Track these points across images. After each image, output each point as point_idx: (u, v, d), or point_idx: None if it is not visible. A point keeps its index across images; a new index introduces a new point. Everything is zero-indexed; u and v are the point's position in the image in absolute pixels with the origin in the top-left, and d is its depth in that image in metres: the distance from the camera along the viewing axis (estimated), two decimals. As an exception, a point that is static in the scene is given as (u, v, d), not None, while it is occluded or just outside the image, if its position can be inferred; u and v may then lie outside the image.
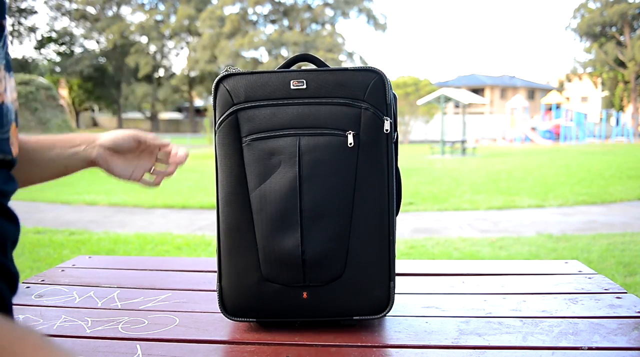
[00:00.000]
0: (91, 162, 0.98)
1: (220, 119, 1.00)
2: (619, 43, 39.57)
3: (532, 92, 47.46)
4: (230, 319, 1.05)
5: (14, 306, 0.66)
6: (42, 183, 0.96)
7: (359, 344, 0.96)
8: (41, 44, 46.69)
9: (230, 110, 0.99)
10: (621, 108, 40.58)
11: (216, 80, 1.01)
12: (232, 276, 1.02)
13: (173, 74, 48.36)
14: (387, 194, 1.01)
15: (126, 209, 7.32)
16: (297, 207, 0.98)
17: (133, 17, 57.00)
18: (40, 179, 0.94)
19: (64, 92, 45.66)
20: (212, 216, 6.58)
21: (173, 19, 46.24)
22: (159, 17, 47.75)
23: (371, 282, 1.02)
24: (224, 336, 1.01)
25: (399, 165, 1.06)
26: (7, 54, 0.62)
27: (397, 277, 1.05)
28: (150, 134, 1.01)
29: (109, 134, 0.99)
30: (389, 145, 1.00)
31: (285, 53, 41.02)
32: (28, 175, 0.90)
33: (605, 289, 1.23)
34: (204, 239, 5.15)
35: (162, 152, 1.07)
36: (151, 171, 1.04)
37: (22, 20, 44.41)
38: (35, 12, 47.86)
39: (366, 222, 1.00)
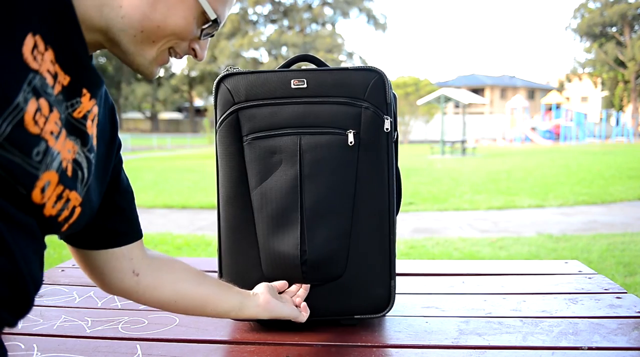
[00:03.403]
0: (260, 309, 0.95)
1: (221, 118, 1.00)
2: (619, 43, 39.54)
3: (532, 92, 47.45)
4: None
5: None
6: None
7: (359, 343, 0.96)
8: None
9: (231, 109, 0.99)
10: (621, 108, 40.54)
11: (217, 79, 1.01)
12: (233, 275, 1.02)
13: (173, 74, 48.36)
14: (388, 193, 1.01)
15: (126, 209, 7.31)
16: (297, 205, 0.98)
17: (133, 17, 56.79)
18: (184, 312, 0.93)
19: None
20: (212, 216, 6.58)
21: (173, 18, 46.14)
22: (159, 17, 47.69)
23: (372, 281, 1.02)
24: (224, 336, 1.01)
25: (398, 165, 1.06)
26: (74, 119, 0.66)
27: (397, 277, 1.05)
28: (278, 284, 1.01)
29: (261, 287, 0.97)
30: (389, 144, 1.00)
31: (286, 53, 41.01)
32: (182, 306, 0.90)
33: (605, 289, 1.23)
34: (204, 239, 5.15)
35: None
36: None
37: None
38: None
39: (367, 221, 1.00)
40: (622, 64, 39.34)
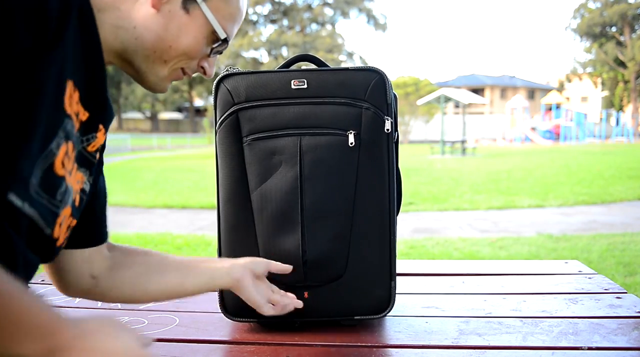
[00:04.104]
0: (233, 281, 0.90)
1: (221, 118, 1.00)
2: (619, 43, 39.53)
3: (532, 92, 47.43)
4: (230, 319, 1.05)
5: None
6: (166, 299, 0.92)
7: (359, 344, 0.96)
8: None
9: (231, 110, 0.99)
10: (621, 108, 40.51)
11: (217, 80, 1.01)
12: (233, 276, 1.02)
13: (173, 74, 48.29)
14: (388, 194, 1.01)
15: (126, 209, 7.31)
16: (297, 206, 0.98)
17: (133, 17, 56.81)
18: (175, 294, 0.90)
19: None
20: (212, 216, 6.57)
21: (173, 18, 46.11)
22: (159, 17, 47.66)
23: (372, 281, 1.02)
24: (224, 336, 1.01)
25: (399, 165, 1.06)
26: (87, 152, 0.67)
27: (397, 277, 1.05)
28: (277, 263, 0.94)
29: (246, 259, 0.92)
30: (389, 144, 1.00)
31: (286, 53, 41.01)
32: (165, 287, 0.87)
33: (605, 289, 1.23)
34: (204, 239, 5.15)
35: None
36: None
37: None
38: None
39: (367, 222, 1.00)
40: (622, 64, 39.32)
